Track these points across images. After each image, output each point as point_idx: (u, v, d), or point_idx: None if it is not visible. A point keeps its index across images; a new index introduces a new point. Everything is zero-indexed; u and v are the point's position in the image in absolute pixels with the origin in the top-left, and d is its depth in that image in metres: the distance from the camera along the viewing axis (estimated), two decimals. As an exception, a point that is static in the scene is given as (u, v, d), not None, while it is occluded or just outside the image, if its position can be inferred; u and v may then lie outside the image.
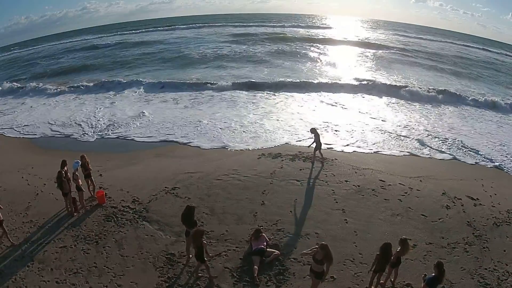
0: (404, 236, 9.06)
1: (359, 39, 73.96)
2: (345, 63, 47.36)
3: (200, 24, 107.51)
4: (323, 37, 74.10)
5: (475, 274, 9.73)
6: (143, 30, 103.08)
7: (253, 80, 34.92)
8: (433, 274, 7.90)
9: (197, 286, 9.36)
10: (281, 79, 35.19)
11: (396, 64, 48.73)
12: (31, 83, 38.87)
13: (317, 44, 62.13)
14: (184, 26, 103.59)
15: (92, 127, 23.73)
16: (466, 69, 51.62)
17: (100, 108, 28.48)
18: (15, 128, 24.41)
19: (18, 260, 10.47)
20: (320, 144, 15.40)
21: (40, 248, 10.96)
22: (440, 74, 45.20)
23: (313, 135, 15.32)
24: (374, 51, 58.80)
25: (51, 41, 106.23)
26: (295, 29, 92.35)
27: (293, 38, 70.26)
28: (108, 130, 23.04)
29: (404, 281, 9.35)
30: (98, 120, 25.15)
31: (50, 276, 9.84)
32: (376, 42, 71.17)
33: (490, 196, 14.06)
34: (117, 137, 21.81)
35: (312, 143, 15.40)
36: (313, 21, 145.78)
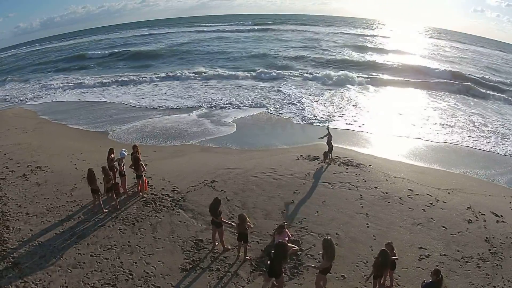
0: (390, 240, 9.35)
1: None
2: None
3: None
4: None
5: (482, 290, 9.31)
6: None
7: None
8: (431, 280, 7.90)
9: (217, 270, 9.74)
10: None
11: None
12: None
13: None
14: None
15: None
16: None
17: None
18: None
19: (58, 234, 11.06)
20: (331, 147, 15.79)
21: (80, 225, 11.51)
22: None
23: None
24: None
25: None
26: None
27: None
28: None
29: (409, 289, 9.19)
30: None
31: (86, 250, 10.31)
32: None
33: (516, 214, 12.98)
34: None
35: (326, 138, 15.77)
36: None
